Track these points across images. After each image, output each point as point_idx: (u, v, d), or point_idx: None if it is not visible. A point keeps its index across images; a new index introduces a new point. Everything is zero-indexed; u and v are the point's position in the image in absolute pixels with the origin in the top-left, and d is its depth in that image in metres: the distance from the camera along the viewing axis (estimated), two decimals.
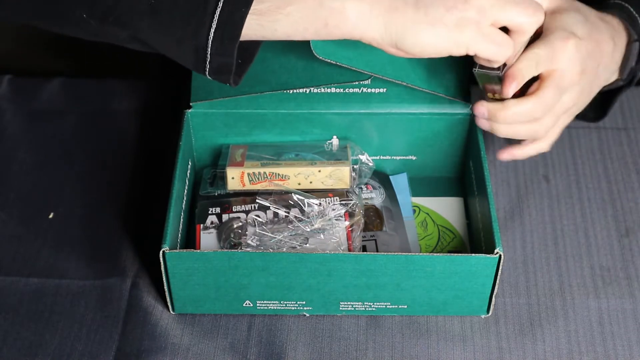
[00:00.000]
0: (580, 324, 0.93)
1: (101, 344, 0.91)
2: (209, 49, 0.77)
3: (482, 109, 0.89)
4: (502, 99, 0.89)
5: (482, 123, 0.91)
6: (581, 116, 0.99)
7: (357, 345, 0.92)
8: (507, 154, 0.95)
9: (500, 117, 0.88)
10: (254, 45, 0.83)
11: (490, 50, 0.80)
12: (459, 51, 0.79)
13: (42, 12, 0.82)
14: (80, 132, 1.13)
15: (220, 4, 0.75)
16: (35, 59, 1.28)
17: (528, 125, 0.90)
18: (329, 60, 0.89)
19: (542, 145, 0.94)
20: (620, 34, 0.94)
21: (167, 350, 0.91)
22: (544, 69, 0.87)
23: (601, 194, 1.05)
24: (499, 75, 0.87)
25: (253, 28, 0.77)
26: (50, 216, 1.03)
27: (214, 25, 0.75)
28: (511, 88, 0.86)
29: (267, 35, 0.79)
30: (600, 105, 1.02)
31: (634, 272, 0.98)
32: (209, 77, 0.80)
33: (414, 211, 1.03)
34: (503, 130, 0.90)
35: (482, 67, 0.87)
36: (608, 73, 0.94)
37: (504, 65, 0.87)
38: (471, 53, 0.80)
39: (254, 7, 0.75)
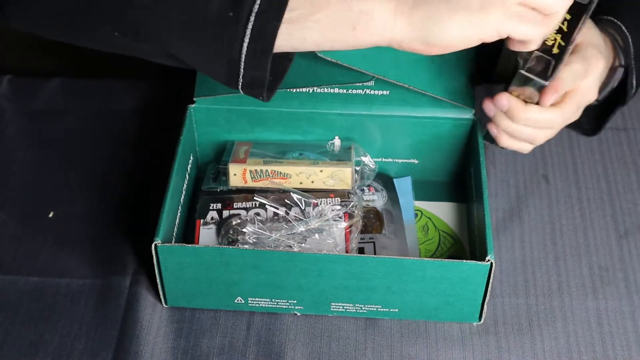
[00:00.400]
0: (579, 324, 0.93)
1: (101, 343, 0.92)
2: (242, 63, 0.76)
3: (504, 100, 0.87)
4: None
5: (488, 109, 0.90)
6: (576, 125, 0.98)
7: (355, 345, 0.92)
8: (496, 133, 0.92)
9: (518, 116, 0.87)
10: (285, 62, 0.82)
11: (522, 29, 0.78)
12: (489, 34, 0.77)
13: (73, 29, 0.81)
14: (80, 132, 1.14)
15: (253, 18, 0.74)
16: (35, 59, 1.28)
17: (535, 131, 0.89)
18: (331, 60, 0.89)
19: (528, 147, 0.93)
20: (609, 56, 0.95)
21: (167, 348, 0.91)
22: (575, 85, 0.87)
23: (600, 194, 1.06)
24: (544, 84, 0.85)
25: (283, 37, 0.76)
26: (50, 215, 1.04)
27: (246, 40, 0.74)
28: (551, 99, 0.86)
29: (297, 45, 0.78)
30: (596, 120, 1.02)
31: (632, 273, 0.98)
32: (241, 92, 0.80)
33: (416, 215, 1.03)
34: (507, 126, 0.89)
35: (530, 70, 0.85)
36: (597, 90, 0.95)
37: (551, 75, 0.85)
38: (503, 35, 0.78)
39: (286, 16, 0.75)
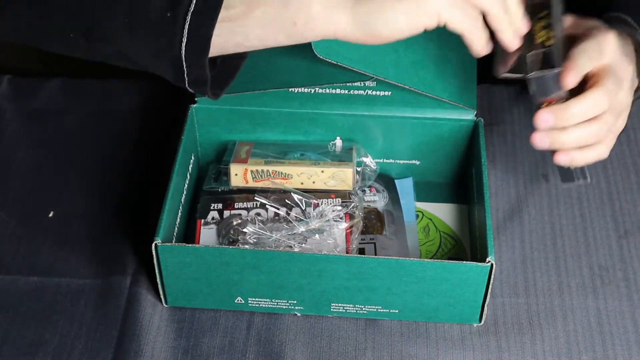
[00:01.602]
0: (579, 323, 0.94)
1: (101, 342, 0.92)
2: (184, 63, 0.77)
3: (546, 114, 0.84)
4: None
5: (539, 140, 0.85)
6: None
7: (356, 345, 0.92)
8: (565, 157, 0.87)
9: (565, 117, 0.84)
10: (236, 60, 0.83)
11: (461, 20, 0.77)
12: (431, 21, 0.77)
13: (33, 32, 0.83)
14: (80, 132, 1.14)
15: (189, 18, 0.75)
16: (35, 59, 1.28)
17: (592, 126, 0.85)
18: (330, 60, 0.89)
19: (603, 149, 0.88)
20: (628, 41, 0.93)
21: (167, 348, 0.91)
22: (595, 63, 0.85)
23: (600, 194, 1.06)
24: (557, 72, 0.83)
25: (225, 35, 0.77)
26: (50, 215, 1.04)
27: (184, 39, 0.76)
28: (572, 78, 0.83)
29: (241, 42, 0.79)
30: None
31: (632, 273, 0.98)
32: (190, 90, 0.81)
33: (417, 216, 1.03)
34: (566, 139, 0.85)
35: (535, 70, 0.84)
36: (637, 79, 0.92)
37: (557, 61, 0.83)
38: (442, 22, 0.77)
39: (223, 14, 0.76)
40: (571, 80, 0.84)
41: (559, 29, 0.85)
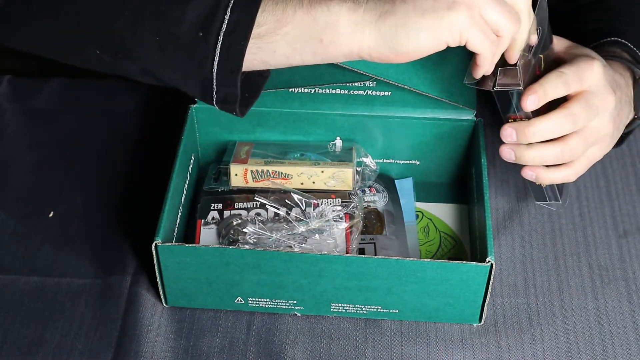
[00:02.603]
0: (579, 323, 0.94)
1: (101, 342, 0.92)
2: (215, 81, 0.78)
3: (509, 129, 0.87)
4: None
5: (506, 152, 0.89)
6: None
7: (356, 345, 0.92)
8: (531, 173, 0.90)
9: (527, 133, 0.86)
10: (259, 79, 0.84)
11: (479, 38, 0.79)
12: (454, 39, 0.78)
13: (55, 47, 0.84)
14: (80, 132, 1.14)
15: (221, 38, 0.76)
16: (35, 59, 1.27)
17: (555, 147, 0.88)
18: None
19: (569, 173, 0.91)
20: (626, 74, 0.95)
21: (167, 348, 0.91)
22: (574, 89, 0.87)
23: (599, 193, 1.06)
24: (518, 90, 0.86)
25: (253, 52, 0.78)
26: (51, 215, 1.04)
27: (216, 59, 0.77)
28: (529, 101, 0.85)
29: (267, 59, 0.80)
30: None
31: (631, 273, 0.98)
32: (216, 107, 0.82)
33: (417, 216, 1.04)
34: (529, 156, 0.88)
35: (500, 85, 0.86)
36: (627, 108, 0.94)
37: (522, 80, 0.86)
38: (463, 41, 0.79)
39: (254, 31, 0.77)
40: (530, 102, 0.85)
41: (537, 51, 0.87)
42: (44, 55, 0.86)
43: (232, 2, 0.76)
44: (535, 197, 0.95)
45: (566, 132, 0.87)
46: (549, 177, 0.91)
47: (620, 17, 1.03)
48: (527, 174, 0.90)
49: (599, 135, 0.89)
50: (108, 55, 0.80)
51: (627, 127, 0.96)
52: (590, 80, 0.87)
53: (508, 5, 0.80)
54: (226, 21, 0.76)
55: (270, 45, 0.78)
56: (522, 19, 0.82)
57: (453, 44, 0.79)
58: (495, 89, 0.87)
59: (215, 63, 0.77)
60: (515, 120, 0.88)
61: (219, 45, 0.76)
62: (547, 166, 0.90)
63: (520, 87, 0.86)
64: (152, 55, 0.79)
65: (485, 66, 0.83)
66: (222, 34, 0.76)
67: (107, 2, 0.78)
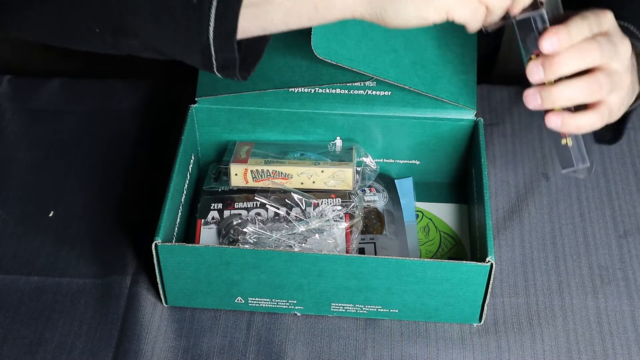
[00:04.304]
0: (579, 323, 0.94)
1: (101, 342, 0.92)
2: (212, 47, 0.79)
3: (536, 63, 0.83)
4: None
5: (531, 97, 0.84)
6: (599, 138, 0.97)
7: (356, 344, 0.92)
8: (556, 119, 0.85)
9: (553, 65, 0.82)
10: (260, 42, 0.85)
11: (469, 16, 0.79)
12: (439, 17, 0.79)
13: (57, 32, 0.84)
14: (80, 132, 1.14)
15: (215, 3, 0.77)
16: (35, 59, 1.28)
17: (582, 81, 0.83)
18: (330, 61, 0.89)
19: (594, 117, 0.85)
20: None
21: (167, 348, 0.91)
22: (595, 32, 0.84)
23: (600, 194, 1.06)
24: (541, 13, 0.81)
25: (250, 20, 0.79)
26: (51, 215, 1.04)
27: (212, 24, 0.77)
28: (548, 43, 0.81)
29: (266, 26, 0.80)
30: (616, 125, 0.98)
31: (631, 273, 0.98)
32: (218, 75, 0.82)
33: (417, 216, 1.04)
34: (556, 93, 0.83)
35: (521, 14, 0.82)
36: (636, 78, 0.91)
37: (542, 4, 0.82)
38: (450, 18, 0.79)
39: (247, 1, 0.77)
40: (549, 44, 0.82)
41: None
42: (48, 42, 0.86)
43: None
44: (561, 165, 0.89)
45: (594, 60, 0.83)
46: (574, 123, 0.86)
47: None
48: (552, 120, 0.85)
49: (620, 80, 0.86)
50: (108, 35, 0.81)
51: (632, 103, 0.93)
52: (608, 23, 0.85)
53: None
54: None
55: (267, 14, 0.79)
56: None
57: (440, 22, 0.79)
58: (517, 17, 0.82)
59: (211, 28, 0.77)
60: (538, 56, 0.83)
61: (213, 10, 0.77)
62: (572, 112, 0.85)
63: (544, 11, 0.82)
64: (149, 27, 0.79)
65: (472, 30, 0.82)
66: None
67: None
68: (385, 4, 0.78)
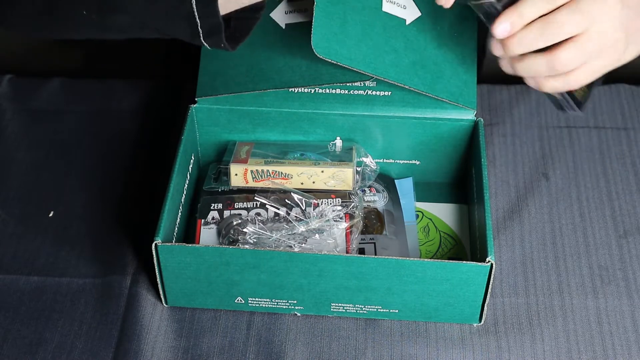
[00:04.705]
0: (579, 323, 0.94)
1: (101, 342, 0.92)
2: (196, 13, 0.79)
3: (496, 45, 0.83)
4: None
5: (496, 47, 0.84)
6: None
7: (356, 344, 0.92)
8: (532, 80, 0.85)
9: (510, 46, 0.81)
10: (251, 20, 0.85)
11: None
12: None
13: (45, 19, 0.84)
14: (80, 132, 1.14)
15: None
16: (35, 59, 1.28)
17: (542, 58, 0.82)
18: (330, 60, 0.89)
19: (567, 81, 0.85)
20: None
21: (167, 348, 0.91)
22: (560, 2, 0.81)
23: (600, 194, 1.06)
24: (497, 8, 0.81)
25: None
26: (50, 215, 1.04)
27: None
28: (499, 29, 0.81)
29: None
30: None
31: (631, 273, 0.98)
32: (206, 45, 0.83)
33: (417, 216, 1.04)
34: (520, 68, 0.83)
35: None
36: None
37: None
38: None
39: None
40: (500, 30, 0.81)
41: None
42: (39, 33, 0.87)
43: None
44: (555, 106, 0.90)
45: (552, 41, 0.82)
46: (549, 85, 0.85)
47: None
48: (529, 82, 0.86)
49: (600, 44, 0.83)
50: (95, 13, 0.81)
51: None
52: None
53: None
54: None
55: None
56: None
57: None
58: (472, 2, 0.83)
59: None
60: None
61: None
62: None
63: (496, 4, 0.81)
64: (134, 1, 0.80)
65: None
66: None
67: None
68: None
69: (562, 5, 0.81)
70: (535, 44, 0.82)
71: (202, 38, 0.82)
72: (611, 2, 0.82)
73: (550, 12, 0.81)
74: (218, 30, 0.81)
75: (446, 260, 0.89)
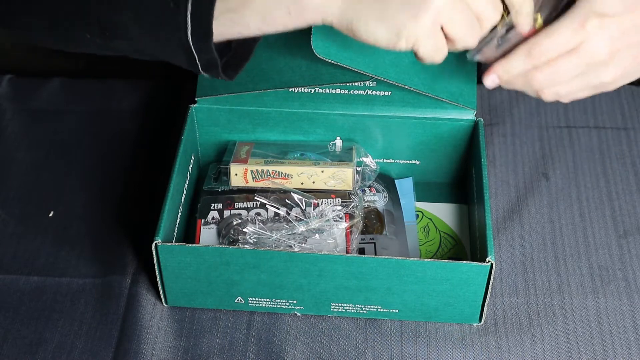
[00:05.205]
0: (579, 323, 0.94)
1: (101, 342, 0.92)
2: (193, 49, 0.80)
3: (491, 78, 0.85)
4: None
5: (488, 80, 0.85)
6: None
7: (356, 344, 0.92)
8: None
9: (500, 74, 0.84)
10: (250, 43, 0.86)
11: (430, 52, 0.80)
12: (406, 45, 0.79)
13: (50, 37, 0.86)
14: (80, 132, 1.14)
15: (189, 7, 0.78)
16: (35, 59, 1.28)
17: (520, 81, 0.84)
18: (330, 61, 0.89)
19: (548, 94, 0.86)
20: None
21: (167, 348, 0.91)
22: (542, 59, 0.82)
23: (600, 194, 1.06)
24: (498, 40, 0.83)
25: (227, 25, 0.80)
26: (50, 215, 1.04)
27: (189, 27, 0.79)
28: (488, 81, 0.84)
29: (243, 31, 0.81)
30: None
31: (631, 273, 0.98)
32: (204, 74, 0.83)
33: (417, 216, 1.04)
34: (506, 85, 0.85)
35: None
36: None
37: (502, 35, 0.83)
38: (414, 49, 0.79)
39: (223, 5, 0.78)
40: (489, 82, 0.84)
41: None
42: (47, 46, 0.87)
43: None
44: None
45: (534, 90, 0.84)
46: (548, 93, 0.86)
47: None
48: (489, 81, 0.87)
49: (597, 83, 0.84)
50: (98, 37, 0.82)
51: None
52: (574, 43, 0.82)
53: (475, 12, 0.79)
54: None
55: (243, 19, 0.80)
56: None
57: (405, 50, 0.80)
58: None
59: (189, 31, 0.78)
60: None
61: (188, 14, 0.78)
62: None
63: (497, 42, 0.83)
64: (133, 30, 0.80)
65: (433, 63, 0.82)
66: (189, 2, 0.77)
67: None
68: (359, 22, 0.78)
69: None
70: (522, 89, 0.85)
71: (200, 70, 0.83)
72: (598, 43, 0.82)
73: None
74: (215, 65, 0.82)
75: (446, 260, 0.89)
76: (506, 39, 0.83)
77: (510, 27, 0.82)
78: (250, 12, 0.79)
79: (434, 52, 0.80)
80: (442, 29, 0.79)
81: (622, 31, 0.82)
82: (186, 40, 0.79)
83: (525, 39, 0.82)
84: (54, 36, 0.85)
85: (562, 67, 0.82)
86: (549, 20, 0.82)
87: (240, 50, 0.85)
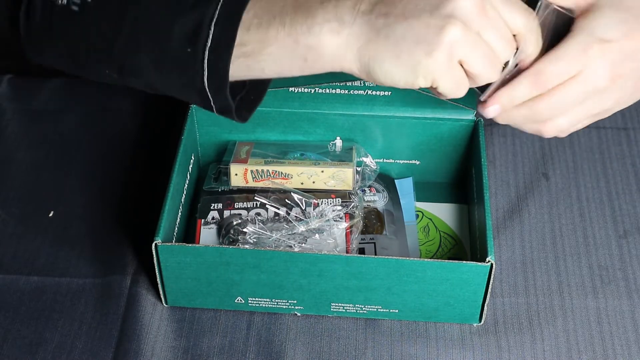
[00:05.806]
0: (579, 323, 0.94)
1: (101, 342, 0.92)
2: (209, 93, 0.80)
3: (488, 109, 0.83)
4: None
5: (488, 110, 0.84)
6: None
7: (356, 344, 0.92)
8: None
9: (503, 103, 0.82)
10: (262, 84, 0.86)
11: (450, 87, 0.79)
12: (425, 83, 0.78)
13: (72, 68, 0.87)
14: (80, 131, 1.14)
15: (207, 54, 0.77)
16: None
17: (522, 110, 0.83)
18: None
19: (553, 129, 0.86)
20: None
21: (167, 348, 0.91)
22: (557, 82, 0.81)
23: (600, 194, 1.06)
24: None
25: (243, 70, 0.80)
26: (50, 215, 1.04)
27: (205, 74, 0.78)
28: (488, 112, 0.83)
29: (258, 75, 0.81)
30: None
31: (632, 273, 0.98)
32: (219, 115, 0.84)
33: (417, 216, 1.04)
34: (508, 119, 0.84)
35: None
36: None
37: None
38: (434, 85, 0.79)
39: (238, 51, 0.78)
40: (489, 112, 0.83)
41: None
42: (61, 69, 0.88)
43: (215, 17, 0.77)
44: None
45: (537, 118, 0.84)
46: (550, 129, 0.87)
47: None
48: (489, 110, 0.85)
49: (593, 112, 0.83)
50: (115, 73, 0.82)
51: None
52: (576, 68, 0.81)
53: (493, 48, 0.78)
54: (210, 37, 0.77)
55: (258, 64, 0.80)
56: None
57: (425, 86, 0.79)
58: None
59: (205, 78, 0.78)
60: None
61: (205, 61, 0.77)
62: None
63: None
64: (150, 71, 0.81)
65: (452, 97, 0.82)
66: (207, 50, 0.77)
67: (108, 21, 0.80)
68: (375, 64, 0.78)
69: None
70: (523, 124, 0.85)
71: (215, 112, 0.83)
72: (597, 60, 0.81)
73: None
74: (229, 110, 0.82)
75: (446, 260, 0.89)
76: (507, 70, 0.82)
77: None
78: (266, 57, 0.79)
79: (455, 87, 0.79)
80: (461, 64, 0.78)
81: (623, 56, 0.82)
82: (202, 87, 0.79)
83: (520, 70, 0.81)
84: (72, 63, 0.86)
85: (564, 95, 0.81)
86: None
87: (253, 91, 0.85)
